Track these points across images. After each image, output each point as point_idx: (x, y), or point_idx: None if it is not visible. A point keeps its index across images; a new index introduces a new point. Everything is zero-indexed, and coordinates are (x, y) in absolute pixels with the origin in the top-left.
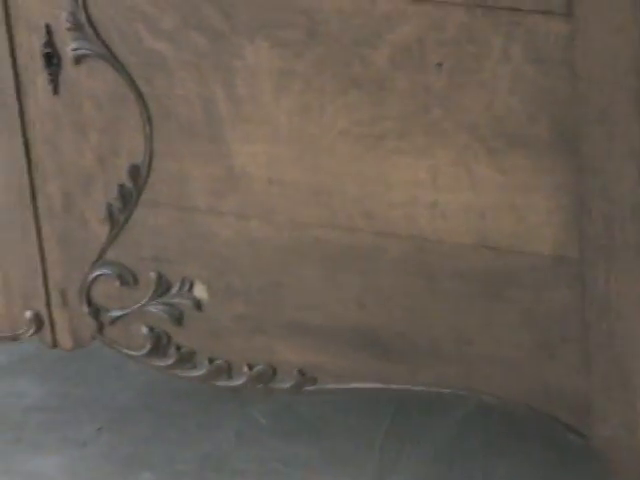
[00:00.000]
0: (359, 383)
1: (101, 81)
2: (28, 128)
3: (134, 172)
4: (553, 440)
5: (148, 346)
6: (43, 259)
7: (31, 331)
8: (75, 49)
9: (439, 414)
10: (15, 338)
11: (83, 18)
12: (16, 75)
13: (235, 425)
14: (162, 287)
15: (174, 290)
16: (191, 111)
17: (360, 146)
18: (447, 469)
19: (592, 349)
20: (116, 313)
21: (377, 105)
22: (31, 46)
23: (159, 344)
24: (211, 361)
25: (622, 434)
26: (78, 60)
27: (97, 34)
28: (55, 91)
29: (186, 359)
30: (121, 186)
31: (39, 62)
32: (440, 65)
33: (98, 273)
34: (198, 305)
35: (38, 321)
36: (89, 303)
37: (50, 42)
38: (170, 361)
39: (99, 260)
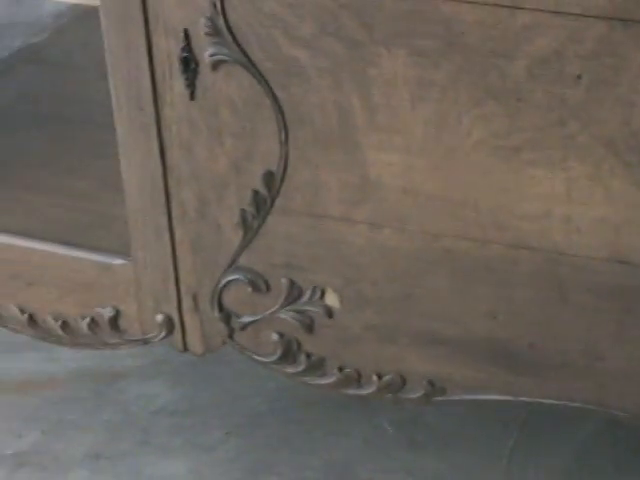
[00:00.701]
0: (488, 395)
1: (238, 87)
2: (164, 133)
3: (268, 178)
4: None
5: (278, 353)
6: (176, 263)
7: (162, 335)
8: (213, 54)
9: (568, 428)
10: (146, 342)
11: (221, 23)
12: (153, 80)
13: (362, 434)
14: (293, 294)
15: (305, 297)
16: (326, 118)
17: (495, 157)
18: None
19: None
20: (247, 319)
21: (513, 117)
22: (169, 51)
23: (289, 351)
24: (341, 369)
25: None
26: (215, 65)
27: (235, 40)
28: (192, 96)
29: (316, 366)
30: (255, 192)
31: (177, 67)
32: (578, 78)
33: (230, 278)
34: (329, 313)
35: (169, 325)
36: (220, 308)
37: (188, 47)
38: (300, 368)
39: (231, 266)
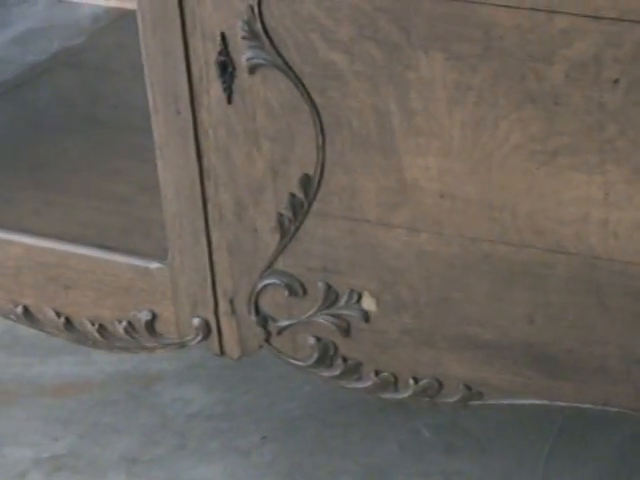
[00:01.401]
0: (525, 399)
1: (275, 90)
2: (201, 136)
3: (305, 182)
4: None
5: (315, 356)
6: (213, 267)
7: (199, 338)
8: (250, 58)
9: (605, 433)
10: (183, 345)
11: (259, 27)
12: (190, 83)
13: (399, 438)
14: (330, 298)
15: (342, 301)
16: (364, 122)
17: (533, 161)
18: None
19: None
20: (284, 323)
21: (551, 121)
22: (206, 54)
23: (326, 355)
24: (377, 373)
25: None
26: (253, 69)
27: (272, 43)
28: (229, 100)
29: (352, 370)
30: (292, 196)
31: (214, 71)
32: (616, 82)
33: (267, 282)
34: (366, 317)
35: (206, 329)
36: (257, 312)
37: (225, 51)
38: (336, 372)
39: (268, 269)
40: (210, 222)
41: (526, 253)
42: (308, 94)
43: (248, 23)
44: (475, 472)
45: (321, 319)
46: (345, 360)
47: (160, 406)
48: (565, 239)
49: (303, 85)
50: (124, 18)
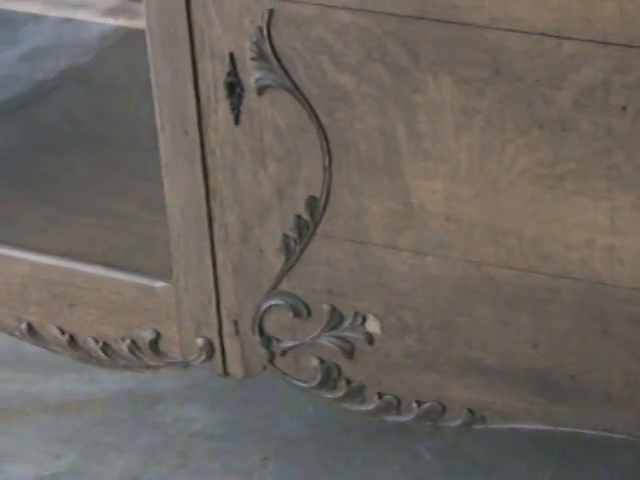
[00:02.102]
0: (528, 424)
1: (283, 112)
2: (208, 156)
3: (312, 204)
4: None
5: (318, 378)
6: (217, 287)
7: (202, 358)
8: (258, 79)
9: (607, 459)
10: (186, 364)
11: (268, 49)
12: (198, 103)
13: (401, 460)
14: (335, 320)
15: (346, 323)
16: (371, 145)
17: (539, 186)
18: None
19: None
20: (288, 344)
21: (558, 146)
22: (215, 75)
23: (329, 377)
24: (380, 396)
25: None
26: (261, 90)
27: (281, 65)
28: (236, 120)
29: (356, 393)
30: (298, 217)
31: (222, 91)
32: (624, 108)
33: (271, 303)
34: (370, 339)
35: (209, 349)
36: (261, 333)
37: (234, 71)
38: (340, 394)
39: (273, 290)
40: (215, 242)
41: (531, 278)
42: (315, 116)
43: (257, 44)
44: None
45: (325, 341)
46: (348, 382)
47: (162, 425)
48: (570, 264)
49: (311, 107)
50: (132, 37)
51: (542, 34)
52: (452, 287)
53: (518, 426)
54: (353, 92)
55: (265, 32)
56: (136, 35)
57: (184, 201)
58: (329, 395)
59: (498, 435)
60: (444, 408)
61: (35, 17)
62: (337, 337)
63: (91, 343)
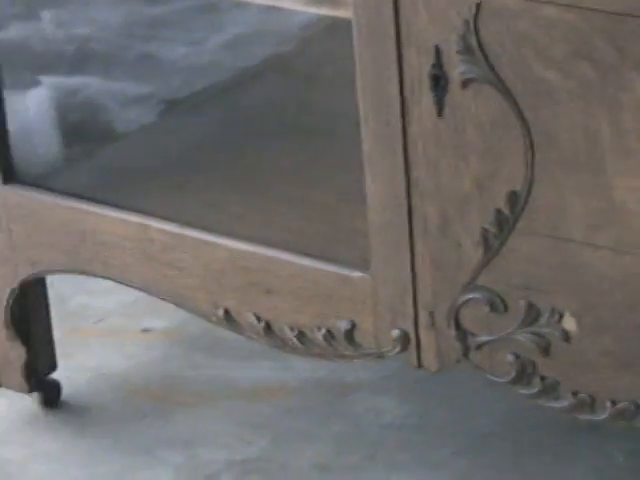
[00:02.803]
0: None
1: (486, 106)
2: (410, 148)
3: (512, 199)
4: None
5: (513, 374)
6: (414, 279)
7: (397, 350)
8: (463, 73)
9: None
10: (381, 355)
11: (474, 42)
12: (402, 94)
13: (592, 461)
14: (531, 316)
15: (543, 320)
16: (574, 141)
17: None
18: None
19: None
20: (483, 338)
21: None
22: (419, 67)
23: (524, 373)
24: (574, 394)
25: None
26: (465, 84)
27: (486, 59)
28: (439, 113)
29: (550, 390)
30: (498, 212)
31: (426, 83)
32: None
33: (468, 297)
34: (566, 337)
35: (405, 340)
36: (457, 326)
37: (438, 64)
38: (534, 390)
39: (470, 284)
40: (414, 234)
41: None
42: (519, 111)
43: (463, 37)
44: None
45: (521, 337)
46: (543, 379)
47: (354, 415)
48: None
49: (515, 102)
50: (335, 26)
51: None
52: None
53: None
54: (558, 88)
55: (472, 25)
56: (339, 24)
57: (384, 192)
58: (523, 391)
59: None
60: (639, 408)
61: (239, 4)
62: (533, 333)
63: (287, 331)
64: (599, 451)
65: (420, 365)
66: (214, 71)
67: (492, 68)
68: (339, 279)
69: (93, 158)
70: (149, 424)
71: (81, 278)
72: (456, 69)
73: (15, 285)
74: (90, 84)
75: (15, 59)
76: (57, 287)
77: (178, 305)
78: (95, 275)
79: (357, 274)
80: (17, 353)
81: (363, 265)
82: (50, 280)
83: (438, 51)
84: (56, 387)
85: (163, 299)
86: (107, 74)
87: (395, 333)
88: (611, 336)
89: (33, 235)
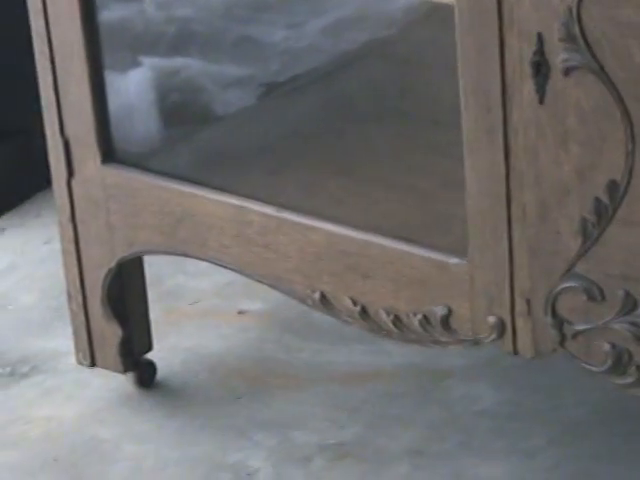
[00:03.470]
0: None
1: (587, 94)
2: (510, 135)
3: (612, 188)
4: None
5: (608, 363)
6: (512, 266)
7: (493, 337)
8: (565, 60)
9: None
10: (476, 342)
11: (576, 30)
12: (503, 81)
13: None
14: (628, 305)
15: None
16: None
17: None
18: None
19: None
20: (580, 327)
21: None
22: (521, 53)
23: (620, 362)
24: None
25: None
26: (567, 71)
27: (588, 47)
28: (541, 101)
29: None
30: (597, 201)
31: (527, 70)
32: None
33: (565, 285)
34: None
35: (501, 328)
36: (553, 314)
37: (541, 51)
38: (629, 380)
39: (567, 272)
40: (513, 221)
41: None
42: (621, 100)
43: (566, 25)
44: None
45: (618, 326)
46: (639, 369)
47: (448, 401)
48: None
49: (617, 90)
50: (437, 11)
51: None
52: None
53: None
54: None
55: (575, 13)
56: (441, 9)
57: (483, 179)
58: (619, 381)
59: None
60: None
61: None
62: (630, 323)
63: (382, 315)
64: None
65: (515, 352)
66: (314, 55)
67: (594, 56)
68: (436, 265)
69: (192, 139)
70: (243, 406)
71: (178, 259)
72: (558, 57)
73: (112, 265)
74: (190, 65)
75: (116, 40)
76: (154, 267)
77: (274, 288)
78: (192, 256)
79: (454, 260)
80: (113, 333)
81: (461, 251)
82: (147, 260)
83: (540, 38)
84: (151, 367)
85: (259, 281)
86: (207, 56)
87: (491, 320)
88: None
89: (131, 215)
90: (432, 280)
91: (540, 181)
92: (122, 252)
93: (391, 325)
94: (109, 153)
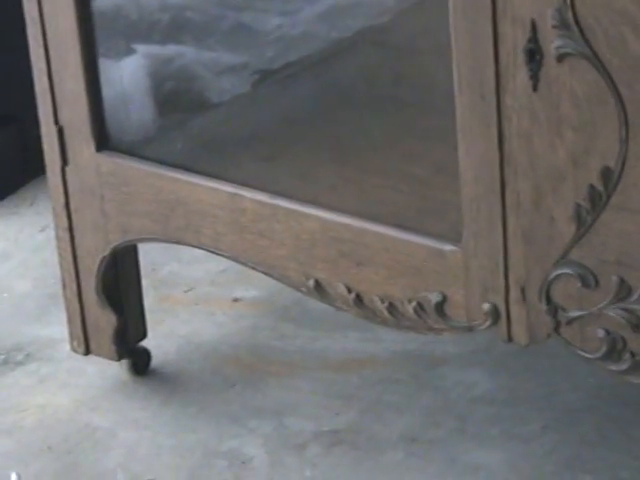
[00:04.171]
0: None
1: (581, 81)
2: (504, 122)
3: (606, 174)
4: None
5: (603, 349)
6: (506, 253)
7: (487, 323)
8: (559, 47)
9: None
10: (471, 329)
11: (570, 17)
12: (497, 68)
13: None
14: (623, 292)
15: (634, 296)
16: None
17: None
18: None
19: None
20: (574, 313)
21: None
22: (515, 41)
23: (614, 348)
24: None
25: None
26: (560, 58)
27: (582, 34)
28: (534, 87)
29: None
30: (591, 187)
31: (521, 57)
32: None
33: (559, 272)
34: None
35: (495, 314)
36: (548, 301)
37: (534, 38)
38: (623, 366)
39: (562, 259)
40: (507, 208)
41: None
42: (615, 86)
43: (559, 11)
44: None
45: (612, 312)
46: (633, 355)
47: (442, 388)
48: None
49: (610, 77)
50: None
51: None
52: None
53: None
54: None
55: (569, 0)
56: None
57: (478, 166)
58: (613, 367)
59: None
60: None
61: None
62: (624, 309)
63: (377, 302)
64: None
65: (510, 339)
66: (308, 42)
67: (588, 43)
68: (431, 252)
69: (186, 127)
70: (238, 393)
71: (172, 246)
72: (552, 43)
73: (107, 252)
74: (184, 53)
75: (110, 27)
76: (148, 255)
77: (269, 275)
78: (186, 244)
79: (449, 247)
80: (108, 320)
81: (455, 238)
82: (142, 248)
83: (534, 25)
84: (146, 355)
85: (254, 269)
86: (201, 43)
87: (486, 307)
88: None
89: (125, 203)
90: (427, 267)
91: (534, 168)
92: (116, 240)
93: (386, 312)
94: (103, 141)
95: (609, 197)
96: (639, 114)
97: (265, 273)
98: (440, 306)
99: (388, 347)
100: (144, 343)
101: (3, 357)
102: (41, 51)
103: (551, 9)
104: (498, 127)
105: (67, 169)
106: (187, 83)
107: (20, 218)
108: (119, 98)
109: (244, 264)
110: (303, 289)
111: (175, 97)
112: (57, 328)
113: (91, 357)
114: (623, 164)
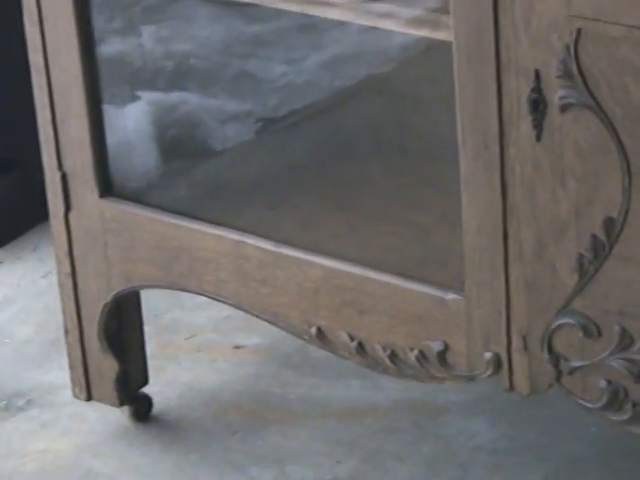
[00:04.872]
0: None
1: (585, 131)
2: (507, 172)
3: (608, 224)
4: None
5: (604, 399)
6: (508, 302)
7: (489, 372)
8: (562, 97)
9: None
10: (472, 378)
11: (574, 67)
12: (500, 118)
13: None
14: (625, 342)
15: (636, 346)
16: None
17: None
18: None
19: None
20: (576, 363)
21: None
22: (519, 90)
23: (615, 399)
24: None
25: None
26: (564, 108)
27: (586, 84)
28: (538, 137)
29: None
30: (594, 237)
31: (525, 107)
32: None
33: (562, 322)
34: None
35: (497, 363)
36: (550, 350)
37: (538, 88)
38: (625, 417)
39: (564, 309)
40: (510, 258)
41: None
42: (617, 137)
43: (564, 62)
44: None
45: (614, 362)
46: (634, 405)
47: (444, 437)
48: None
49: (613, 127)
50: (434, 48)
51: None
52: None
53: None
54: None
55: (572, 50)
56: (437, 47)
57: (481, 215)
58: (614, 417)
59: None
60: None
61: (339, 24)
62: (626, 359)
63: (379, 351)
64: None
65: (512, 388)
66: (312, 90)
67: (591, 93)
68: (433, 301)
69: (190, 174)
70: (239, 440)
71: (175, 293)
72: (555, 94)
73: (109, 299)
74: (188, 100)
75: (114, 74)
76: (151, 301)
77: (271, 322)
78: (189, 291)
79: (451, 296)
80: (110, 366)
81: (458, 287)
82: (144, 294)
83: (538, 75)
84: (147, 401)
85: (256, 316)
86: (205, 91)
87: (488, 356)
88: None
89: (128, 249)
90: (429, 316)
91: (537, 218)
92: (119, 286)
93: (387, 360)
94: (107, 187)
95: (612, 247)
96: None
97: (267, 320)
98: (442, 355)
99: (390, 395)
100: (146, 389)
101: (4, 403)
102: (46, 99)
103: (555, 59)
104: (501, 177)
105: (70, 215)
106: (191, 130)
107: (23, 264)
108: (123, 144)
109: (247, 311)
110: (305, 337)
111: (179, 144)
112: (59, 374)
113: (93, 403)
114: (626, 214)
